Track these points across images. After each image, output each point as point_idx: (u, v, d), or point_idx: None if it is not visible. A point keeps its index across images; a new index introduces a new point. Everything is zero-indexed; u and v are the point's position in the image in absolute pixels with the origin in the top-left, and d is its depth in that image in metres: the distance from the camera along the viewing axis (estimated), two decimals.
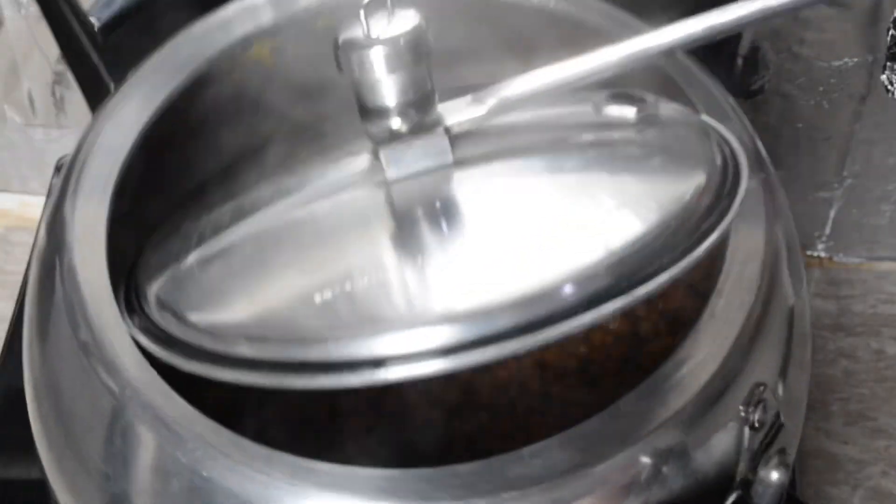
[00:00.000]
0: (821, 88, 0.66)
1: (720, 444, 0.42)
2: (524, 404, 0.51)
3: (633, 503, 0.40)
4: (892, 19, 0.58)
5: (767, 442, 0.43)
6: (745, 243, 0.45)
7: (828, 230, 0.75)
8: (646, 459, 0.40)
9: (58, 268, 0.44)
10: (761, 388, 0.42)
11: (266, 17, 0.51)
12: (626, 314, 0.53)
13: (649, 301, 0.53)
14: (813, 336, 0.73)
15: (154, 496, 0.41)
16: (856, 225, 0.74)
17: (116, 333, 0.42)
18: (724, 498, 0.42)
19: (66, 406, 0.44)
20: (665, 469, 0.40)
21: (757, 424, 0.42)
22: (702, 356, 0.42)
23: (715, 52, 0.65)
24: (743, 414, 0.42)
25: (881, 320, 0.73)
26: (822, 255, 0.76)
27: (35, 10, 0.68)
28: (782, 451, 0.43)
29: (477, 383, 0.51)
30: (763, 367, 0.44)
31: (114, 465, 0.42)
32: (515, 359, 0.51)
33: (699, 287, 0.44)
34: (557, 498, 0.39)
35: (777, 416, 0.43)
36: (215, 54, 0.50)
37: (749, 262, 0.44)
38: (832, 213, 0.74)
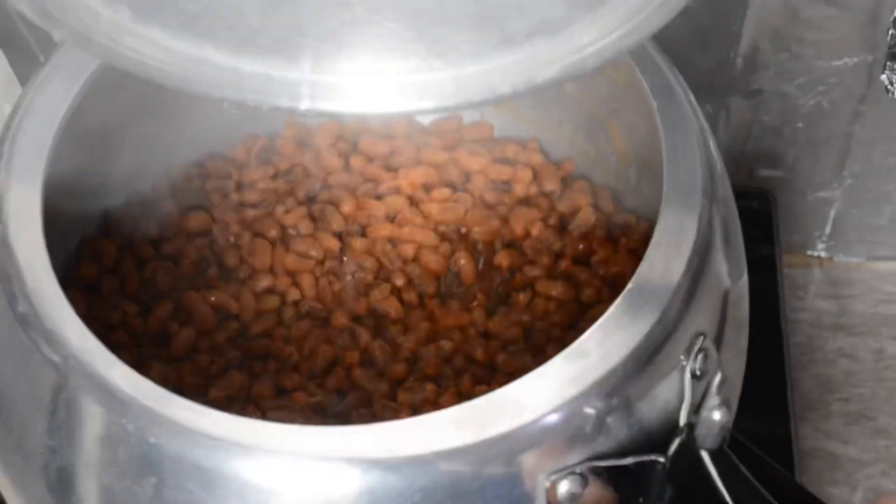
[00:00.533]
0: (821, 88, 0.66)
1: (663, 394, 0.42)
2: (470, 375, 0.51)
3: (579, 454, 0.41)
4: (892, 19, 0.57)
5: (709, 390, 0.43)
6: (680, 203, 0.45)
7: (828, 230, 0.75)
8: (589, 411, 0.40)
9: None
10: (701, 337, 0.43)
11: None
12: (569, 281, 0.53)
13: (590, 267, 0.54)
14: (813, 336, 0.73)
15: (101, 466, 0.41)
16: (856, 225, 0.74)
17: (56, 305, 0.42)
18: (669, 444, 0.42)
19: (2, 382, 0.43)
20: (609, 420, 0.41)
21: (699, 373, 0.43)
22: (641, 307, 0.42)
23: (715, 52, 0.65)
24: (684, 363, 0.42)
25: (881, 320, 0.73)
26: (822, 255, 0.76)
27: None
28: (725, 398, 0.43)
29: (422, 355, 0.51)
30: (702, 320, 0.44)
31: (59, 438, 0.41)
32: (459, 329, 0.52)
33: (640, 252, 0.44)
34: (505, 451, 0.40)
35: (718, 366, 0.43)
36: None
37: (684, 217, 0.44)
38: (832, 213, 0.74)
